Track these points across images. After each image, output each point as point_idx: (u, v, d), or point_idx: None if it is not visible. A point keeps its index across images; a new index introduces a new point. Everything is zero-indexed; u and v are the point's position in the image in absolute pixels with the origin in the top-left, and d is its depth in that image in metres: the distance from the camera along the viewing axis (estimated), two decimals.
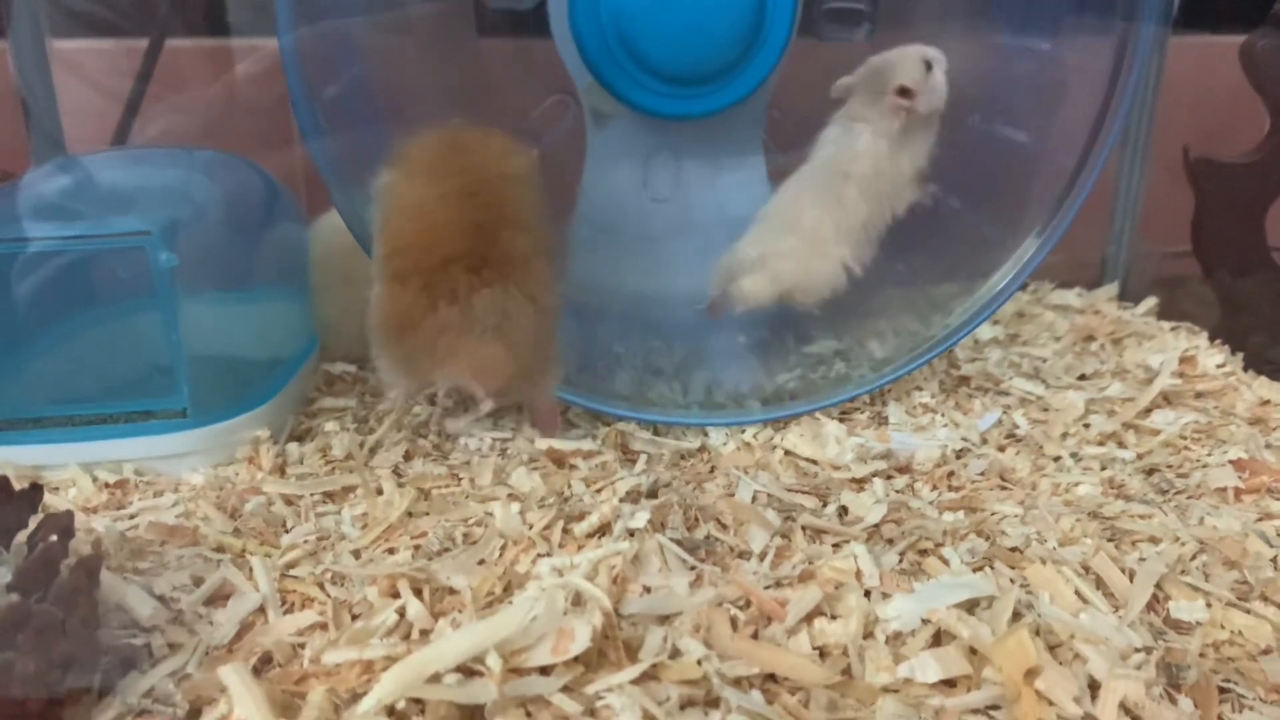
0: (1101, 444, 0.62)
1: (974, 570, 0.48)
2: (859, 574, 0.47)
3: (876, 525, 0.52)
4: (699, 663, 0.40)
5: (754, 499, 0.55)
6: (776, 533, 0.51)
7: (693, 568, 0.48)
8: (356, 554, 0.50)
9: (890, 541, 0.51)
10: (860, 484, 0.57)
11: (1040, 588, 0.46)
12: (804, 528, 0.52)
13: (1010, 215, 0.68)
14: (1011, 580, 0.47)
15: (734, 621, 0.43)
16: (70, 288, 0.60)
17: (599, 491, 0.55)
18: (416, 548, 0.50)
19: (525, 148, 0.59)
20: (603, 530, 0.51)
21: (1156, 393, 0.67)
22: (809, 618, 0.44)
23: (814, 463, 0.60)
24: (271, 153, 0.73)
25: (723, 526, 0.52)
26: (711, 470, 0.59)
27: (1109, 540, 0.51)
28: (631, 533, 0.50)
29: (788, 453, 0.61)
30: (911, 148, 0.66)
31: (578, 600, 0.43)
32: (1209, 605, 0.45)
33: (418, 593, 0.45)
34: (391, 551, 0.50)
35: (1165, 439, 0.62)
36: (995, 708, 0.39)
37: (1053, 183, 0.66)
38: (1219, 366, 0.73)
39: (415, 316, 0.53)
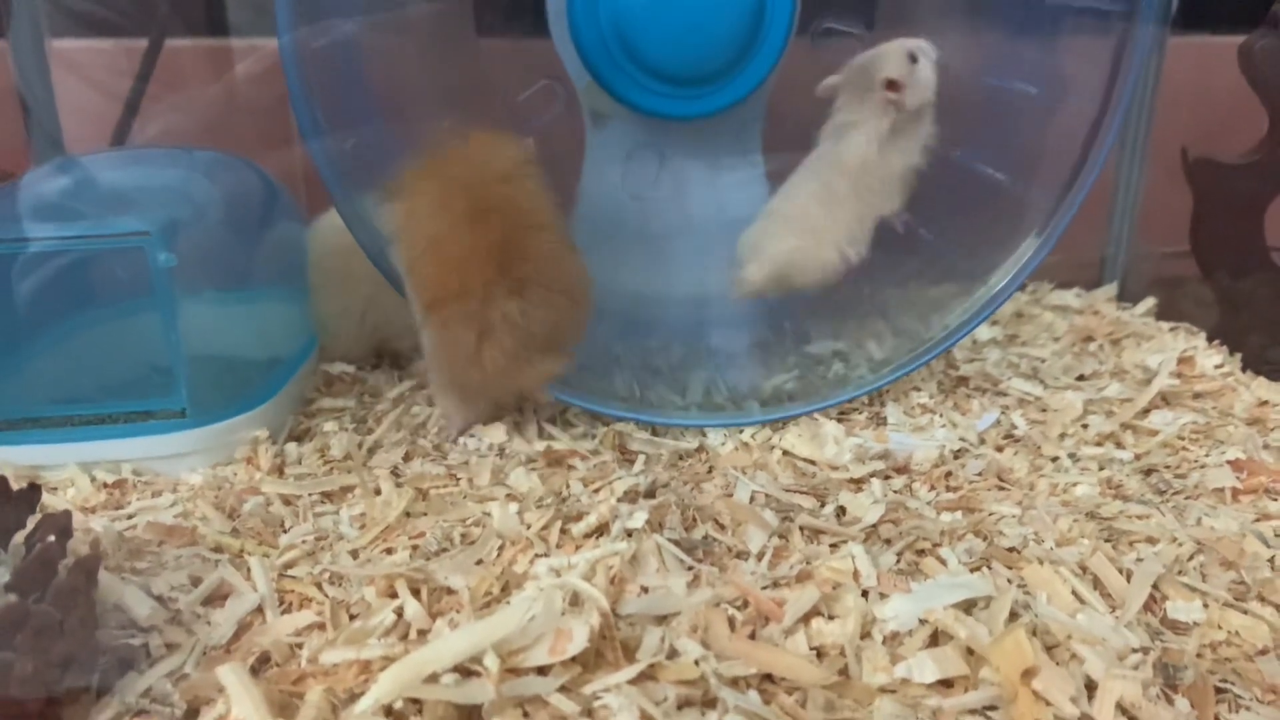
0: (1099, 444, 0.62)
1: (971, 570, 0.48)
2: (856, 574, 0.47)
3: (874, 525, 0.52)
4: (696, 663, 0.40)
5: (752, 499, 0.55)
6: (774, 533, 0.51)
7: (690, 568, 0.48)
8: (354, 554, 0.50)
9: (888, 542, 0.51)
10: (858, 484, 0.57)
11: (1038, 588, 0.46)
12: (802, 528, 0.52)
13: (1009, 215, 0.68)
14: (1009, 580, 0.47)
15: (731, 622, 0.43)
16: (69, 288, 0.60)
17: (597, 492, 0.55)
18: (414, 548, 0.50)
19: (517, 139, 0.59)
20: (600, 530, 0.51)
21: (1155, 393, 0.67)
22: (806, 618, 0.44)
23: (812, 463, 0.60)
24: (271, 153, 0.73)
25: (720, 527, 0.52)
26: (709, 470, 0.59)
27: (1106, 540, 0.51)
28: (629, 533, 0.50)
29: (786, 453, 0.61)
30: (901, 144, 0.66)
31: (575, 600, 0.43)
32: (1206, 605, 0.45)
33: (415, 593, 0.45)
34: (389, 551, 0.50)
35: (1163, 439, 0.62)
36: (992, 708, 0.39)
37: (1051, 183, 0.66)
38: (1217, 367, 0.73)
39: (472, 352, 0.54)
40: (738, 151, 0.74)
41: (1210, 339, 0.79)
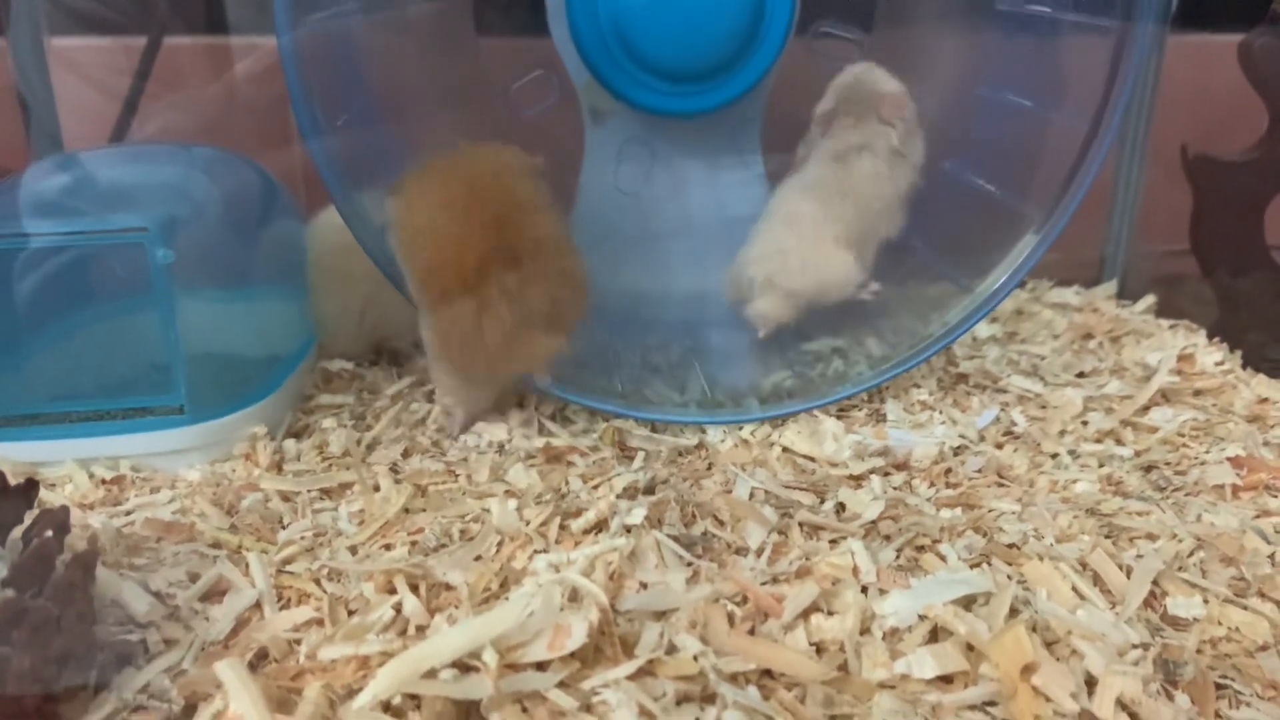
0: (1099, 441, 0.62)
1: (971, 567, 0.48)
2: (856, 570, 0.47)
3: (874, 522, 0.52)
4: (695, 658, 0.40)
5: (751, 496, 0.55)
6: (773, 529, 0.51)
7: (689, 564, 0.48)
8: (353, 550, 0.50)
9: (887, 538, 0.51)
10: (858, 481, 0.57)
11: (1037, 584, 0.46)
12: (801, 524, 0.52)
13: (1009, 213, 0.68)
14: (1009, 577, 0.47)
15: (731, 617, 0.43)
16: (68, 284, 0.60)
17: (596, 488, 0.55)
18: (413, 544, 0.50)
19: (526, 153, 0.60)
20: (599, 526, 0.51)
21: (1155, 390, 0.67)
22: (806, 614, 0.44)
23: (811, 460, 0.60)
24: (270, 151, 0.73)
25: (720, 523, 0.52)
26: (709, 467, 0.59)
27: (1106, 537, 0.50)
28: (628, 529, 0.50)
29: (785, 450, 0.61)
30: (903, 162, 0.67)
31: (574, 596, 0.43)
32: (1206, 602, 0.45)
33: (414, 589, 0.45)
34: (388, 548, 0.50)
35: (1163, 436, 0.62)
36: (992, 704, 0.39)
37: (1051, 180, 0.66)
38: (1217, 364, 0.73)
39: (472, 328, 0.54)
40: (736, 150, 0.74)
41: (1210, 336, 0.78)
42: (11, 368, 0.59)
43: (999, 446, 0.62)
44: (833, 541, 0.50)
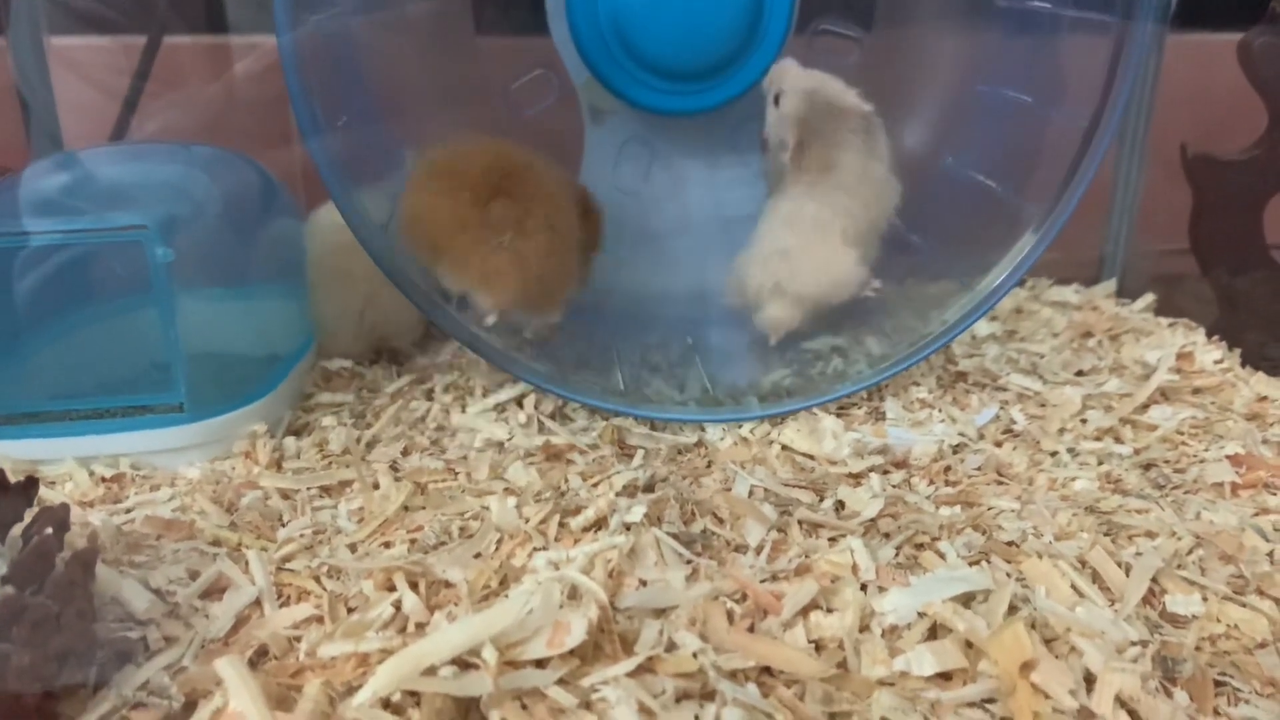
0: (1098, 439, 0.62)
1: (970, 564, 0.48)
2: (855, 568, 0.47)
3: (873, 519, 0.52)
4: (695, 656, 0.40)
5: (750, 493, 0.55)
6: (773, 527, 0.51)
7: (689, 561, 0.48)
8: (353, 548, 0.50)
9: (887, 535, 0.51)
10: (857, 479, 0.57)
11: (1036, 582, 0.46)
12: (800, 522, 0.52)
13: (1008, 211, 0.69)
14: (1008, 574, 0.47)
15: (730, 615, 0.43)
16: (67, 283, 0.60)
17: (595, 486, 0.55)
18: (413, 541, 0.50)
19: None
20: (599, 524, 0.51)
21: (1154, 388, 0.67)
22: (805, 611, 0.44)
23: (811, 458, 0.60)
24: (270, 150, 0.73)
25: (719, 521, 0.52)
26: (708, 465, 0.59)
27: (1105, 535, 0.50)
28: (628, 526, 0.50)
29: (785, 447, 0.61)
30: (876, 150, 0.67)
31: (574, 594, 0.43)
32: (1205, 599, 0.45)
33: (414, 586, 0.45)
34: (388, 545, 0.50)
35: (1162, 434, 0.62)
36: (991, 701, 0.39)
37: (1051, 179, 0.66)
38: (1216, 362, 0.73)
39: (435, 214, 0.57)
40: (736, 149, 0.75)
41: (1209, 335, 0.78)
42: (12, 366, 0.59)
43: (998, 444, 0.62)
44: (832, 539, 0.50)
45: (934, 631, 0.43)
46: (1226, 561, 0.48)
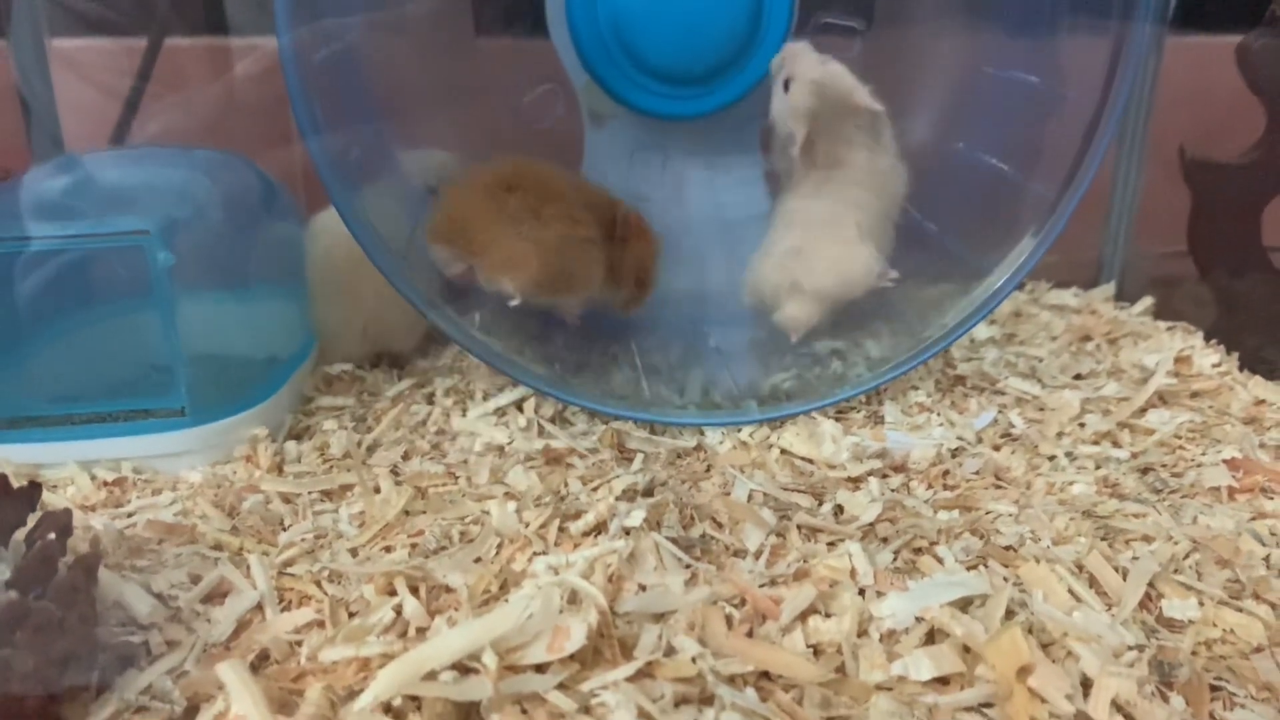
0: (1096, 443, 0.62)
1: (968, 569, 0.48)
2: (853, 572, 0.47)
3: (871, 524, 0.52)
4: (694, 660, 0.40)
5: (750, 498, 0.55)
6: (772, 531, 0.51)
7: (688, 566, 0.48)
8: (354, 552, 0.50)
9: (885, 540, 0.51)
10: (856, 483, 0.57)
11: (1034, 586, 0.46)
12: (799, 526, 0.52)
13: (1007, 215, 0.69)
14: (1005, 579, 0.47)
15: (729, 619, 0.44)
16: (69, 286, 0.60)
17: (595, 490, 0.56)
18: (413, 546, 0.50)
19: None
20: (598, 529, 0.51)
21: (1152, 392, 0.68)
22: (803, 616, 0.44)
23: (810, 462, 0.60)
24: (270, 152, 0.74)
25: (718, 525, 0.52)
26: (708, 469, 0.60)
27: (1103, 539, 0.51)
28: (627, 531, 0.50)
29: (784, 451, 0.61)
30: (882, 139, 0.67)
31: (573, 598, 0.43)
32: (1201, 604, 0.45)
33: (414, 591, 0.45)
34: (388, 550, 0.50)
35: (1160, 438, 0.62)
36: (988, 705, 0.39)
37: (1049, 182, 0.67)
38: (1214, 366, 0.73)
39: (463, 213, 0.62)
40: (736, 150, 0.75)
41: (1207, 338, 0.79)
42: (13, 369, 0.59)
43: (996, 448, 0.62)
44: (831, 544, 0.51)
45: (931, 636, 0.43)
46: (1223, 566, 0.49)
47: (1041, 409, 0.67)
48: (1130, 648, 0.42)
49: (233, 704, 0.38)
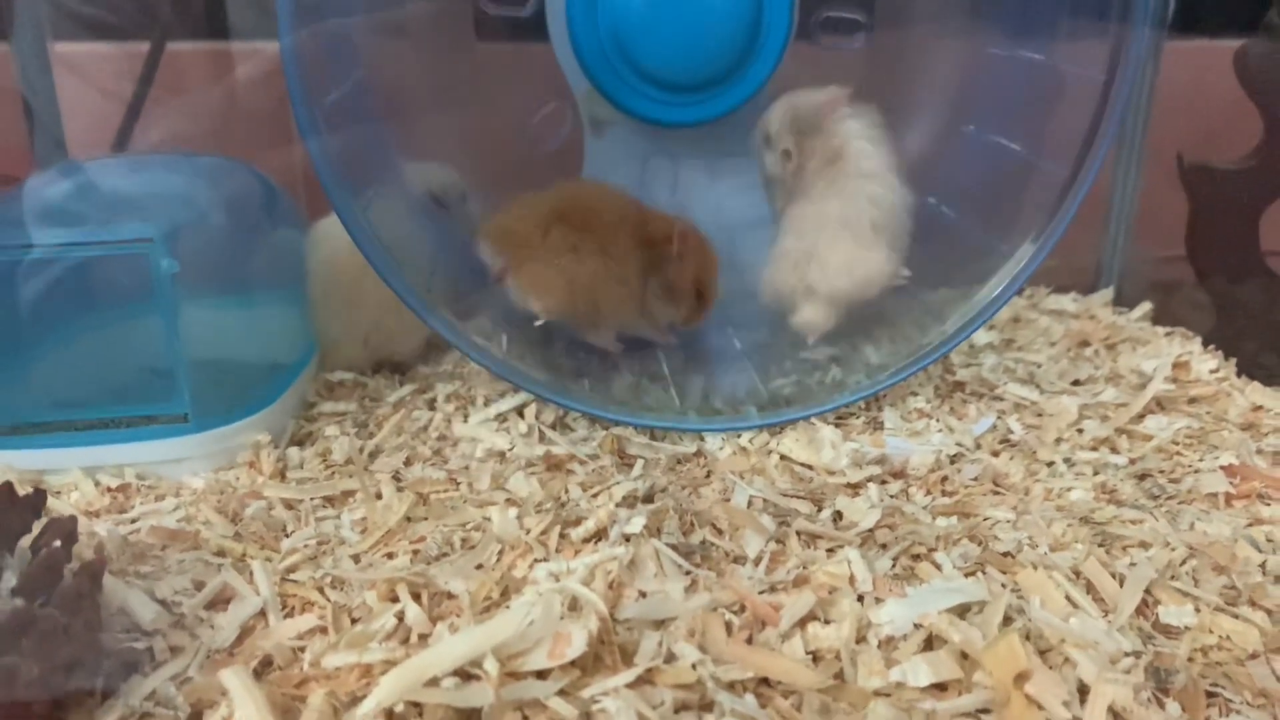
0: (1094, 449, 0.62)
1: (966, 575, 0.48)
2: (852, 579, 0.47)
3: (870, 530, 0.52)
4: (694, 667, 0.40)
5: (749, 504, 0.55)
6: (771, 538, 0.51)
7: (688, 572, 0.48)
8: (356, 558, 0.50)
9: (884, 546, 0.51)
10: (855, 489, 0.58)
11: (1031, 592, 0.47)
12: (799, 533, 0.52)
13: (1006, 221, 0.69)
14: (1003, 585, 0.47)
15: (728, 626, 0.44)
16: (72, 293, 0.60)
17: (595, 496, 0.56)
18: (415, 552, 0.50)
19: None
20: (599, 535, 0.51)
21: (1150, 398, 0.68)
22: (803, 622, 0.44)
23: (809, 468, 0.60)
24: (272, 156, 0.74)
25: (718, 531, 0.53)
26: (707, 475, 0.60)
27: (1100, 545, 0.51)
28: (627, 538, 0.50)
29: (783, 457, 0.62)
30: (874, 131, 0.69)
31: (574, 605, 0.43)
32: (1198, 610, 0.45)
33: (416, 597, 0.46)
34: (390, 556, 0.50)
35: (1158, 444, 0.63)
36: (986, 711, 0.39)
37: (1048, 188, 0.67)
38: (1212, 372, 0.73)
39: (510, 233, 0.65)
40: (736, 156, 0.75)
41: (1205, 344, 0.79)
42: (17, 376, 0.59)
43: (995, 454, 0.62)
44: (830, 550, 0.51)
45: (930, 642, 0.43)
46: (1219, 572, 0.49)
47: (1040, 415, 0.67)
48: (1127, 654, 0.42)
49: (236, 710, 0.38)
